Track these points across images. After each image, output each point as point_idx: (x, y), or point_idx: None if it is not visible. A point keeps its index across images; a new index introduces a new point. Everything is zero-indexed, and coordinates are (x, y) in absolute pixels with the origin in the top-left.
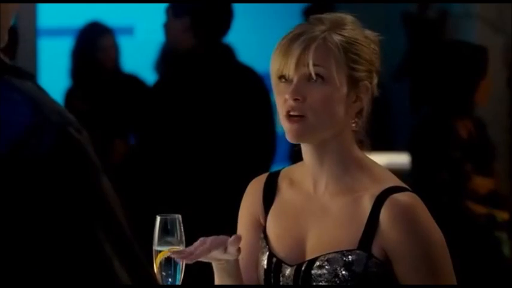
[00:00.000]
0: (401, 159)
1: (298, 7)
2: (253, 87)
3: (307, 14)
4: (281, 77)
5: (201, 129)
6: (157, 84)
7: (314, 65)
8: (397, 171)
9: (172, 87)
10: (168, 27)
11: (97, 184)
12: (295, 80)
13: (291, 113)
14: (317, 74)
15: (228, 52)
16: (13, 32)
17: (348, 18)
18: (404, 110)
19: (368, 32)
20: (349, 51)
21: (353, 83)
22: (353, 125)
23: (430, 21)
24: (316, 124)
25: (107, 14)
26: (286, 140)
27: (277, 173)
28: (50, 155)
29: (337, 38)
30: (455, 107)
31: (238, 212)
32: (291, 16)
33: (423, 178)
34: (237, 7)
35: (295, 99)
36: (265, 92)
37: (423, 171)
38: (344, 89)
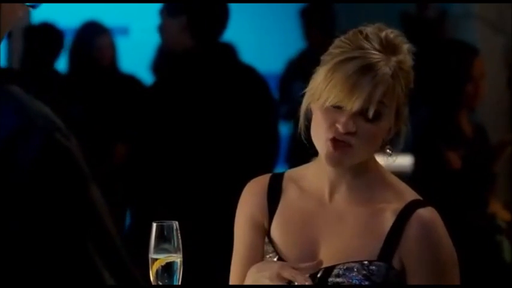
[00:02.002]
0: (400, 161)
1: (295, 7)
2: (255, 87)
3: (304, 14)
4: (335, 105)
5: (200, 132)
6: (156, 85)
7: (380, 102)
8: (396, 173)
9: (170, 89)
10: (163, 29)
11: (85, 192)
12: (351, 111)
13: (338, 139)
14: (378, 112)
15: (228, 51)
16: None
17: (403, 44)
18: None
19: (409, 51)
20: (406, 86)
21: (398, 117)
22: (387, 149)
23: (429, 21)
24: (359, 155)
25: (102, 14)
26: (284, 142)
27: (281, 175)
28: (35, 160)
29: (399, 72)
30: (449, 107)
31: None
32: (288, 16)
33: (424, 180)
34: (235, 7)
35: (348, 133)
36: (267, 92)
37: (425, 173)
38: (392, 124)
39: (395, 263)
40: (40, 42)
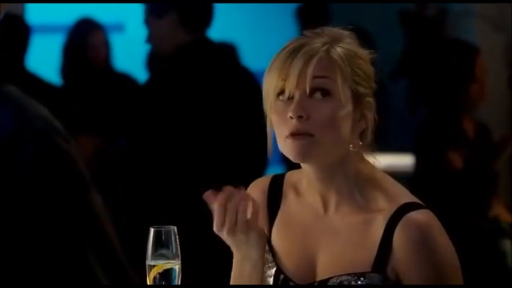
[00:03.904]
0: (399, 161)
1: (291, 7)
2: (247, 86)
3: (300, 13)
4: (280, 94)
5: (196, 132)
6: (150, 84)
7: (318, 77)
8: (395, 173)
9: (166, 87)
10: (153, 33)
11: (84, 196)
12: (296, 96)
13: (296, 133)
14: (321, 88)
15: (225, 48)
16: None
17: (345, 32)
18: (402, 110)
19: (364, 50)
20: (352, 64)
21: (357, 99)
22: (351, 146)
23: (428, 19)
24: (324, 143)
25: (97, 11)
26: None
27: (281, 177)
28: (34, 163)
29: (339, 50)
30: (452, 108)
31: None
32: (284, 16)
33: (426, 181)
34: (232, 6)
35: (299, 117)
36: (257, 94)
37: (427, 174)
38: (349, 105)
39: (390, 273)
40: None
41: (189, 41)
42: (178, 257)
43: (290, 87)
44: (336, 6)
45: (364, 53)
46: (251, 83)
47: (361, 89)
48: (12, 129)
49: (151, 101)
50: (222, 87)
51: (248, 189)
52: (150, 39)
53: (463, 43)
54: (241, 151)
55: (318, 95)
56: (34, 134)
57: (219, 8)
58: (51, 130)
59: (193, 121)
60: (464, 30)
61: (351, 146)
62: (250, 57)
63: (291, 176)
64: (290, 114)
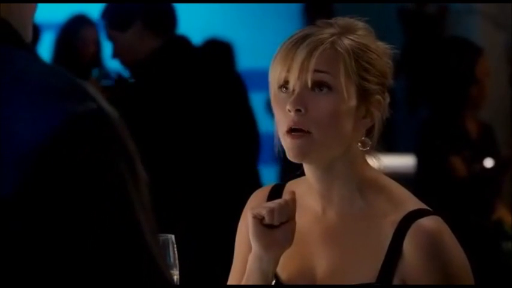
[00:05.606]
0: (400, 161)
1: (289, 6)
2: (228, 83)
3: (305, 13)
4: (282, 86)
5: (185, 133)
6: (136, 90)
7: (319, 71)
8: (395, 175)
9: (152, 91)
10: (118, 47)
11: (137, 172)
12: (297, 88)
13: (293, 128)
14: (322, 82)
15: (186, 43)
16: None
17: (360, 24)
18: (402, 109)
19: (380, 43)
20: (360, 58)
21: (363, 95)
22: (359, 144)
23: (428, 17)
24: (323, 141)
25: (93, 9)
26: (272, 140)
27: (281, 187)
28: (94, 144)
29: (347, 42)
30: (453, 108)
31: (235, 226)
32: (281, 15)
33: (428, 183)
34: (235, 4)
35: (297, 111)
36: (243, 88)
37: (429, 176)
38: (353, 101)
39: (397, 282)
40: None
41: (162, 44)
42: (176, 266)
43: (292, 79)
44: (335, 5)
45: (379, 47)
46: (234, 78)
47: (369, 85)
48: (73, 114)
49: (138, 106)
50: (204, 85)
51: (249, 200)
52: (116, 53)
53: (465, 42)
54: (226, 152)
55: (319, 89)
56: (103, 114)
57: (216, 7)
58: (109, 111)
59: (179, 124)
60: (465, 29)
61: (359, 144)
62: (247, 57)
63: (291, 185)
64: (288, 107)
